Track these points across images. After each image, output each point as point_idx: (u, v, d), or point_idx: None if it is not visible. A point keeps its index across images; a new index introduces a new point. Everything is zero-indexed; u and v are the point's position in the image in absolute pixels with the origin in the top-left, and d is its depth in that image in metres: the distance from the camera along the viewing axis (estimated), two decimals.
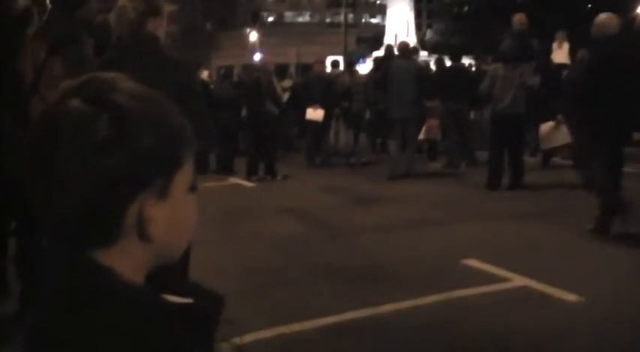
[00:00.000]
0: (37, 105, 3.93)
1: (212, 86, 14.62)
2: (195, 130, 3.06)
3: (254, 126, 12.45)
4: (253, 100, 12.43)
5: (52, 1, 4.22)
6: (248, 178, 12.26)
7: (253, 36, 62.97)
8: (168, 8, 3.76)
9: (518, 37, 10.37)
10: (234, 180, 12.53)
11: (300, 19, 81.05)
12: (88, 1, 3.89)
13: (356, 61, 31.50)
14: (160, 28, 3.69)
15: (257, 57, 57.40)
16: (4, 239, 5.46)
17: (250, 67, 14.30)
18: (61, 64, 3.84)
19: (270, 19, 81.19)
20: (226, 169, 13.35)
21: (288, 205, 9.80)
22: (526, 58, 10.16)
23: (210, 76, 15.23)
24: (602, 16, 7.27)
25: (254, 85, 12.66)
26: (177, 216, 1.08)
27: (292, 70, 31.14)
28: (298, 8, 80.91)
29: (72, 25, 3.95)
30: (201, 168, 13.70)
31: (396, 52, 13.82)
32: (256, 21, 71.87)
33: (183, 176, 1.08)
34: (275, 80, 13.09)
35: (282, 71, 18.06)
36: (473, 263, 6.47)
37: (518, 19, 10.70)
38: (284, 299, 5.70)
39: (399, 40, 29.92)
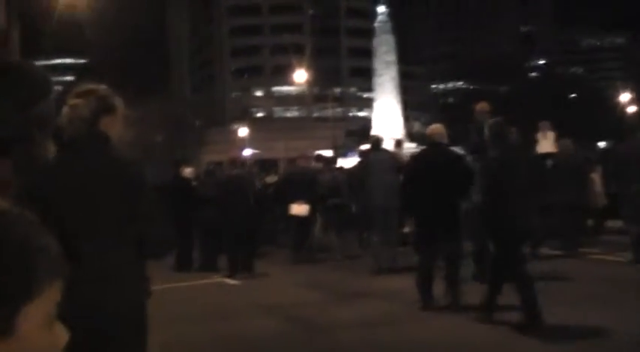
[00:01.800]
0: None
1: (195, 183, 14.56)
2: (145, 233, 2.90)
3: (234, 223, 12.32)
4: (234, 197, 12.35)
5: (5, 98, 4.12)
6: (230, 276, 12.10)
7: (243, 131, 63.65)
8: (122, 107, 3.66)
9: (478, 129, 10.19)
10: (217, 277, 12.32)
11: (289, 114, 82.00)
12: (45, 98, 3.79)
13: (344, 155, 31.69)
14: (113, 127, 3.58)
15: (247, 152, 58.02)
16: None
17: (228, 163, 14.22)
18: (10, 165, 3.71)
19: (259, 114, 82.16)
20: (210, 267, 13.19)
21: (271, 302, 9.60)
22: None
23: (194, 173, 15.14)
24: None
25: (235, 182, 12.62)
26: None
27: (281, 164, 31.29)
28: (287, 103, 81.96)
29: (25, 124, 3.83)
30: (185, 266, 13.55)
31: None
32: (245, 116, 72.73)
33: (38, 308, 0.92)
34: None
35: (271, 166, 18.11)
36: None
37: (480, 107, 10.31)
38: None
39: (387, 133, 30.25)
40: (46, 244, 0.96)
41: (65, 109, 3.59)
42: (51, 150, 3.75)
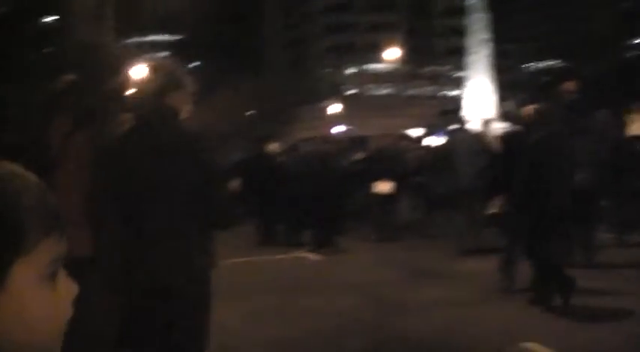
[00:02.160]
0: (61, 178, 3.89)
1: (280, 159, 14.67)
2: (209, 206, 2.94)
3: (317, 199, 12.39)
4: (320, 172, 12.41)
5: (81, 74, 4.23)
6: (312, 251, 12.22)
7: (334, 108, 63.66)
8: (190, 83, 3.70)
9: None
10: (300, 253, 12.42)
11: (382, 92, 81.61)
12: (117, 74, 3.87)
13: (435, 134, 31.37)
14: (181, 102, 3.62)
15: (338, 129, 58.05)
16: None
17: (319, 139, 14.30)
18: (84, 138, 3.81)
19: (352, 91, 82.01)
20: (293, 241, 13.32)
21: (350, 279, 9.62)
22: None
23: (280, 148, 15.25)
24: None
25: (321, 157, 12.68)
26: (16, 310, 0.91)
27: (372, 142, 31.20)
28: (379, 81, 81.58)
29: (98, 98, 3.93)
30: (269, 240, 13.73)
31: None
32: (338, 93, 72.76)
33: (30, 265, 0.91)
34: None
35: (361, 143, 18.10)
36: (533, 346, 6.12)
37: (566, 87, 9.88)
38: None
39: (479, 112, 29.77)
40: (37, 199, 0.93)
41: (135, 84, 3.67)
42: (124, 123, 3.85)
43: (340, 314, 7.59)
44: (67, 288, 0.98)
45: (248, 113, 61.48)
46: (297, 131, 51.48)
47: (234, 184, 18.47)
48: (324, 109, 65.31)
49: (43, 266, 0.93)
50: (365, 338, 6.63)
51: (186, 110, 3.68)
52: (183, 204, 3.47)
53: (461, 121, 12.32)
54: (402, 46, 58.35)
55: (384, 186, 13.40)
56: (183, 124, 3.64)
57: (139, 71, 3.64)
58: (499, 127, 12.49)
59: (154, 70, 3.67)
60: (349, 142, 23.54)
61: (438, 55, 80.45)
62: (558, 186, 7.37)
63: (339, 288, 9.07)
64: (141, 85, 3.61)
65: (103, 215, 3.65)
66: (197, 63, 79.58)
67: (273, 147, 14.66)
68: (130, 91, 3.69)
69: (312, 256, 12.03)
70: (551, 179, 7.37)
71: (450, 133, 15.02)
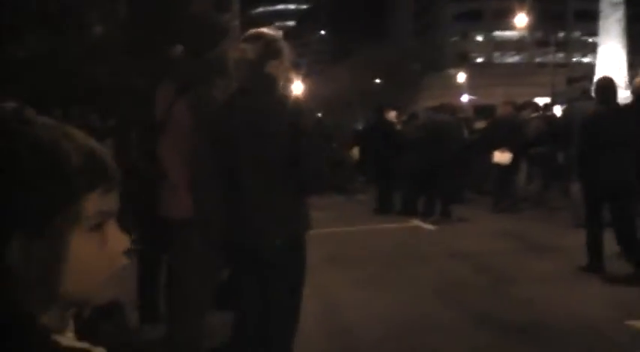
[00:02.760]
0: (165, 146, 4.08)
1: (399, 127, 14.64)
2: (305, 170, 3.06)
3: (435, 168, 12.34)
4: (437, 141, 12.35)
5: (183, 43, 4.39)
6: (424, 219, 12.22)
7: (461, 77, 62.80)
8: (288, 52, 3.78)
9: None
10: (415, 221, 12.44)
11: (509, 60, 79.68)
12: (219, 43, 3.99)
13: (563, 102, 30.41)
14: (279, 71, 3.72)
15: (464, 98, 57.26)
16: (156, 267, 5.70)
17: (440, 108, 14.17)
18: (187, 106, 3.97)
19: (479, 59, 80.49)
20: (410, 210, 13.33)
21: (460, 250, 9.58)
22: None
23: (398, 117, 15.20)
24: None
25: (440, 126, 12.61)
26: (62, 257, 1.02)
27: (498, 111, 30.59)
28: (506, 48, 79.68)
29: (200, 68, 4.07)
30: (385, 209, 13.80)
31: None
32: (464, 62, 71.65)
33: (76, 215, 1.02)
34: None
35: (487, 112, 17.85)
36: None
37: None
38: (432, 346, 5.53)
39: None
40: (84, 157, 1.03)
41: (234, 53, 3.78)
42: (225, 90, 3.99)
43: (449, 284, 7.60)
44: (116, 240, 1.09)
45: (374, 81, 61.41)
46: (422, 99, 51.10)
47: (354, 152, 18.67)
48: (450, 78, 64.46)
49: (88, 218, 1.04)
50: (472, 308, 6.63)
51: (285, 78, 3.77)
52: (281, 169, 3.58)
53: (584, 90, 11.89)
54: (531, 11, 56.68)
55: (502, 157, 13.18)
56: (281, 92, 3.74)
57: (242, 40, 3.72)
58: (623, 97, 12.01)
59: (255, 38, 3.76)
60: (473, 111, 23.16)
61: (568, 21, 77.73)
62: None
63: (450, 258, 9.06)
64: (242, 53, 3.71)
65: (204, 179, 3.81)
66: (323, 32, 79.88)
67: (392, 115, 14.63)
68: (231, 59, 3.78)
69: (427, 225, 12.02)
70: None
71: (570, 102, 14.57)
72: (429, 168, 12.59)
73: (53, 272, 1.02)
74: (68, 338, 1.08)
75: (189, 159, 3.85)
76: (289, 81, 3.92)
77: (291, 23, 77.35)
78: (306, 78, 55.81)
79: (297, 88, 52.68)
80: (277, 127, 3.55)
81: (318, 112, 35.39)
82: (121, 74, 11.00)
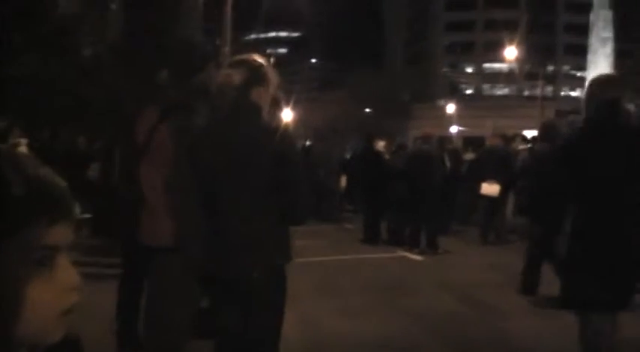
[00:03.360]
0: (145, 169, 4.01)
1: (387, 157, 14.61)
2: (288, 201, 2.98)
3: (419, 198, 12.30)
4: (424, 172, 12.30)
5: (169, 67, 4.34)
6: (410, 250, 12.16)
7: (450, 108, 63.05)
8: (274, 79, 3.73)
9: None
10: (402, 252, 12.37)
11: (499, 92, 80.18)
12: (205, 68, 3.94)
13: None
14: (264, 97, 3.66)
15: (453, 129, 57.50)
16: (135, 292, 5.59)
17: (427, 138, 14.15)
18: (168, 131, 3.91)
19: (468, 91, 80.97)
20: (396, 240, 13.27)
21: (448, 281, 9.52)
22: None
23: (387, 146, 15.19)
24: None
25: (427, 157, 12.57)
26: (6, 295, 0.95)
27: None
28: (496, 80, 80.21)
29: (184, 93, 4.02)
30: (372, 238, 13.73)
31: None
32: (454, 92, 72.05)
33: (17, 247, 0.95)
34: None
35: (478, 143, 17.89)
36: None
37: None
38: None
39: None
40: (30, 188, 0.97)
41: (218, 79, 3.72)
42: (206, 117, 3.93)
43: (435, 315, 7.53)
44: (67, 275, 1.01)
45: (364, 110, 61.61)
46: (412, 129, 51.24)
47: (342, 181, 18.63)
48: (440, 108, 64.74)
49: (32, 251, 0.96)
50: (457, 340, 6.56)
51: (270, 105, 3.71)
52: (263, 198, 3.51)
53: (571, 123, 11.92)
54: (522, 44, 57.12)
55: (491, 189, 13.17)
56: (265, 119, 3.68)
57: (227, 66, 3.70)
58: None
59: (240, 64, 3.71)
60: (462, 142, 23.18)
61: (557, 55, 78.43)
62: None
63: (438, 289, 9.00)
64: (227, 79, 3.65)
65: (185, 206, 3.74)
66: (314, 60, 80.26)
67: (380, 145, 14.61)
68: (215, 85, 3.73)
69: (414, 256, 11.95)
70: None
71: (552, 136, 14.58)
72: (414, 199, 12.54)
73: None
74: None
75: (169, 185, 3.78)
76: (275, 108, 3.86)
77: (282, 50, 77.69)
78: (296, 105, 55.93)
79: (287, 115, 52.78)
80: (260, 155, 3.49)
81: (307, 140, 35.39)
82: (110, 96, 10.99)
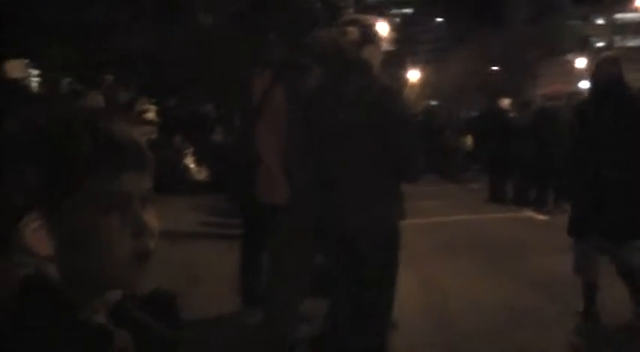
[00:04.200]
0: (261, 131, 4.09)
1: (512, 115, 14.29)
2: (399, 158, 2.99)
3: (546, 157, 11.97)
4: (546, 130, 11.97)
5: (279, 30, 4.39)
6: (536, 210, 11.88)
7: (580, 62, 60.78)
8: (385, 37, 3.72)
9: None
10: (527, 212, 12.11)
11: (631, 43, 76.61)
12: (314, 29, 3.97)
13: None
14: (375, 56, 3.67)
15: (584, 84, 55.43)
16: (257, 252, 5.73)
17: (552, 96, 13.76)
18: (282, 92, 3.97)
19: (599, 44, 77.80)
20: (522, 200, 13.01)
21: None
22: None
23: (513, 104, 14.83)
24: None
25: (553, 115, 12.21)
26: (74, 238, 1.03)
27: None
28: (628, 32, 76.65)
29: (296, 54, 4.07)
30: (498, 198, 13.51)
31: None
32: (584, 46, 69.38)
33: (85, 195, 1.02)
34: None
35: None
36: None
37: None
38: (530, 342, 5.36)
39: None
40: (97, 141, 1.04)
41: (330, 38, 3.74)
42: (319, 76, 3.96)
43: (556, 279, 7.33)
44: (138, 221, 1.07)
45: (490, 68, 60.32)
46: (538, 86, 49.82)
47: (467, 140, 18.40)
48: (569, 63, 62.60)
49: (101, 197, 1.03)
50: (578, 305, 6.39)
51: (378, 63, 3.72)
52: (373, 155, 3.53)
53: None
54: None
55: None
56: (376, 77, 3.68)
57: (338, 25, 3.70)
58: None
59: (351, 24, 3.73)
60: None
61: None
62: None
63: (561, 251, 8.75)
64: (337, 38, 3.67)
65: (300, 165, 3.80)
66: (440, 19, 79.03)
67: (506, 103, 14.30)
68: (327, 45, 3.75)
69: (540, 216, 11.69)
70: None
71: None
72: (541, 157, 12.22)
73: (70, 249, 1.03)
74: (96, 318, 1.08)
75: (284, 145, 3.85)
76: (392, 66, 3.87)
77: (407, 10, 76.81)
78: (421, 65, 55.35)
79: (413, 75, 52.33)
80: (371, 113, 3.49)
81: (433, 100, 35.08)
82: (228, 62, 11.20)
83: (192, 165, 15.89)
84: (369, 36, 3.68)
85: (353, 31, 3.66)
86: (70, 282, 1.05)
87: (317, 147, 3.66)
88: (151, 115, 13.95)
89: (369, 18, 3.85)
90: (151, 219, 1.09)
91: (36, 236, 1.02)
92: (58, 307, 1.03)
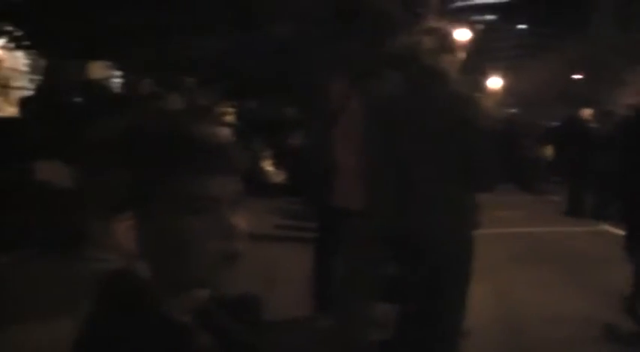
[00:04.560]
0: (338, 136, 4.15)
1: (594, 125, 13.98)
2: (474, 166, 3.01)
3: (629, 171, 11.66)
4: (630, 142, 11.65)
5: (359, 37, 4.43)
6: (615, 225, 11.60)
7: None
8: (463, 44, 3.73)
9: None
10: (605, 226, 11.83)
11: None
12: (394, 37, 3.99)
13: None
14: (452, 65, 3.68)
15: None
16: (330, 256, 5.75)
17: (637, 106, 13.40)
18: (359, 98, 4.01)
19: None
20: (601, 214, 12.71)
21: None
22: None
23: (595, 115, 14.52)
24: None
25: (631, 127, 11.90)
26: (163, 237, 1.08)
27: None
28: None
29: (375, 60, 4.10)
30: (576, 211, 13.23)
31: None
32: None
33: (176, 197, 1.07)
34: None
35: None
36: None
37: None
38: None
39: None
40: (194, 141, 1.08)
41: (407, 45, 3.76)
42: (397, 83, 3.98)
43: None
44: (226, 224, 1.11)
45: (572, 77, 59.13)
46: (625, 96, 48.57)
47: (547, 150, 18.09)
48: None
49: (191, 200, 1.07)
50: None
51: (455, 71, 3.72)
52: (448, 163, 3.54)
53: None
54: None
55: None
56: (453, 86, 3.69)
57: (416, 33, 3.71)
58: None
59: (430, 31, 3.74)
60: None
61: None
62: None
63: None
64: (416, 46, 3.69)
65: (376, 171, 3.84)
66: (523, 26, 77.90)
67: (587, 113, 14.02)
68: (405, 52, 3.77)
69: (616, 230, 11.41)
70: None
71: None
72: (623, 170, 11.89)
73: (158, 249, 1.08)
74: (181, 316, 1.12)
75: (361, 150, 3.88)
76: (471, 74, 3.87)
77: (490, 17, 75.91)
78: (503, 73, 54.62)
79: (494, 82, 51.65)
80: (447, 122, 3.50)
81: (513, 108, 34.56)
82: (308, 67, 11.30)
83: (269, 168, 16.09)
84: (446, 44, 3.68)
85: (430, 39, 3.67)
86: (158, 281, 1.09)
87: (392, 155, 3.69)
88: (229, 118, 14.18)
89: (446, 25, 3.86)
90: (240, 221, 1.12)
91: (127, 234, 1.07)
92: (141, 303, 1.08)
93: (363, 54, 4.29)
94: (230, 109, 14.74)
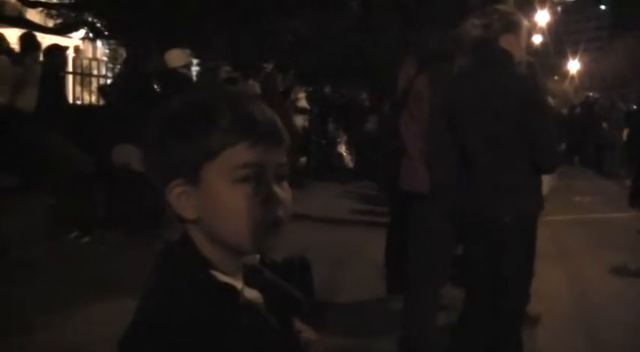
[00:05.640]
0: (405, 119, 4.21)
1: None
2: (536, 147, 3.07)
3: None
4: None
5: (427, 21, 4.47)
6: None
7: None
8: (525, 26, 3.76)
9: None
10: None
11: None
12: (464, 19, 4.03)
13: None
14: (515, 45, 3.70)
15: None
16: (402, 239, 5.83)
17: None
18: (425, 81, 4.07)
19: None
20: None
21: None
22: None
23: None
24: None
25: None
26: (212, 203, 1.17)
27: None
28: None
29: (443, 44, 4.14)
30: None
31: None
32: None
33: (223, 165, 1.16)
34: None
35: None
36: None
37: None
38: None
39: None
40: (233, 114, 1.17)
41: (468, 28, 3.79)
42: (462, 66, 4.03)
43: None
44: (269, 191, 1.19)
45: None
46: None
47: (624, 134, 17.69)
48: None
49: (235, 168, 1.17)
50: None
51: (518, 51, 3.74)
52: (513, 146, 3.58)
53: None
54: None
55: None
56: (516, 67, 3.72)
57: (479, 14, 3.72)
58: None
59: (492, 12, 3.76)
60: None
61: None
62: None
63: None
64: (477, 27, 3.72)
65: (439, 153, 3.91)
66: (603, 6, 75.92)
67: None
68: (469, 34, 3.80)
69: None
70: None
71: None
72: None
73: (208, 214, 1.18)
74: (234, 281, 1.22)
75: (426, 133, 3.95)
76: (523, 56, 3.90)
77: None
78: (582, 55, 53.31)
79: (574, 65, 50.51)
80: (510, 103, 3.54)
81: (593, 91, 33.76)
82: (382, 51, 11.32)
83: (345, 153, 16.19)
84: (508, 24, 3.71)
85: (493, 20, 3.70)
86: (211, 244, 1.20)
87: (457, 136, 3.75)
88: (305, 103, 14.30)
89: (511, 7, 3.89)
90: (284, 192, 1.21)
91: (180, 201, 1.18)
92: (194, 266, 1.19)
93: (433, 36, 4.34)
94: (306, 94, 14.85)
